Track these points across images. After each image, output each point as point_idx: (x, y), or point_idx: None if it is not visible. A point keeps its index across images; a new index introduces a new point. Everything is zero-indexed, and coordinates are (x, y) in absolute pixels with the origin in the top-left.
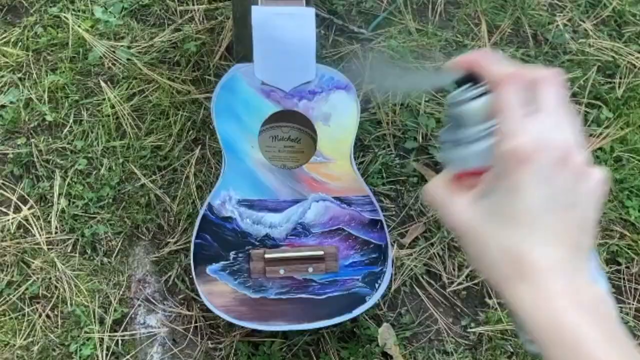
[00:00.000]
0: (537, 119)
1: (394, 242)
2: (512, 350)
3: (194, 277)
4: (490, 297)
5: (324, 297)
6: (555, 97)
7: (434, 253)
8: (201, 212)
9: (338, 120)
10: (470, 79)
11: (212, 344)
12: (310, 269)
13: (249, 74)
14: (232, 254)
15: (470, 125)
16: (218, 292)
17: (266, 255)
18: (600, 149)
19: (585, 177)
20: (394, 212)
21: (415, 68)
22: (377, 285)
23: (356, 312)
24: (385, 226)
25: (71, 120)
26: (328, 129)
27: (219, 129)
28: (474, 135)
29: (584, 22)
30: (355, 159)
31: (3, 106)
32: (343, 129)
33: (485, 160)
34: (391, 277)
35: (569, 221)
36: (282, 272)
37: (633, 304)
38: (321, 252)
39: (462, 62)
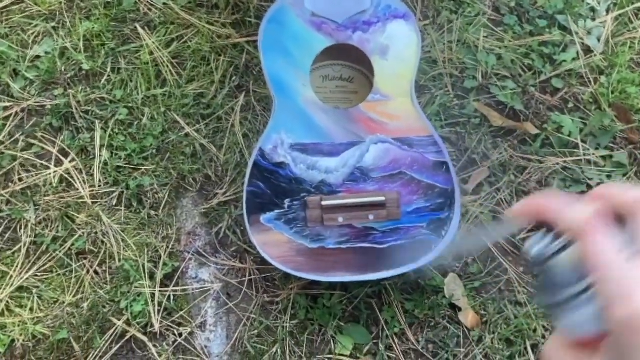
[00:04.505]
0: None
1: None
2: None
3: (248, 227)
4: None
5: (386, 246)
6: None
7: (500, 199)
8: (252, 158)
9: (397, 54)
10: (543, 225)
11: (268, 297)
12: (371, 217)
13: (298, 4)
14: (286, 202)
15: (564, 286)
16: (273, 242)
17: (323, 203)
18: None
19: None
20: (455, 157)
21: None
22: (443, 233)
23: (421, 262)
24: (452, 168)
25: (109, 69)
26: (386, 63)
27: (267, 66)
28: (573, 300)
29: None
30: None
31: (38, 57)
32: (403, 63)
33: (598, 325)
34: (459, 223)
35: None
36: (340, 220)
37: None
38: (382, 198)
39: (527, 211)
